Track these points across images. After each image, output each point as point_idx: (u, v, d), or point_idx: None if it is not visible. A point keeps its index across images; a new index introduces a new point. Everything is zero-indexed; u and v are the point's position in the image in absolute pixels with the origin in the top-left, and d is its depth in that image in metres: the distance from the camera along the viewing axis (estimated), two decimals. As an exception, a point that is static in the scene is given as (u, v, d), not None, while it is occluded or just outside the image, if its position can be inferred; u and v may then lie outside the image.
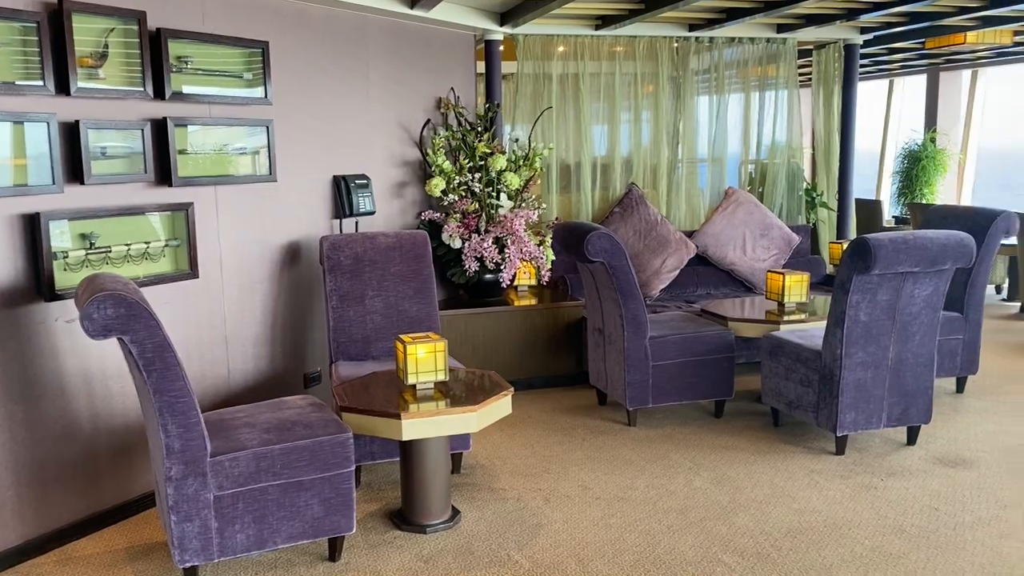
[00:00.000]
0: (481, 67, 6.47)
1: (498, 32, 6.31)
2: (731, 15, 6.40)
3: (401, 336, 3.78)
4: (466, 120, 5.98)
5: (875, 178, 12.90)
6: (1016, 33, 7.45)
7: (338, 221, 5.16)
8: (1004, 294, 8.95)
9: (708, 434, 4.96)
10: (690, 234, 6.93)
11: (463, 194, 5.78)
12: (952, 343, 5.49)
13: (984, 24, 7.10)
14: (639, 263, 6.56)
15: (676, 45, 7.11)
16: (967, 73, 11.28)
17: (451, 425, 3.55)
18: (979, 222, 5.57)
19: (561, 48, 6.84)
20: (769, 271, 5.49)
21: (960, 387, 5.68)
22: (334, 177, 5.11)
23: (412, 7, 5.30)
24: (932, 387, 4.67)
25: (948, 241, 4.35)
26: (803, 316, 5.26)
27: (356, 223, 5.26)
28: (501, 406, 3.73)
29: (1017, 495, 4.06)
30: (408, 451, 3.72)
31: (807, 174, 8.26)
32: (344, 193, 5.09)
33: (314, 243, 4.96)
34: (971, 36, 7.26)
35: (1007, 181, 29.42)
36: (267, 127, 4.57)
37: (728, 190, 7.11)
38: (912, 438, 4.74)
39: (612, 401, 5.43)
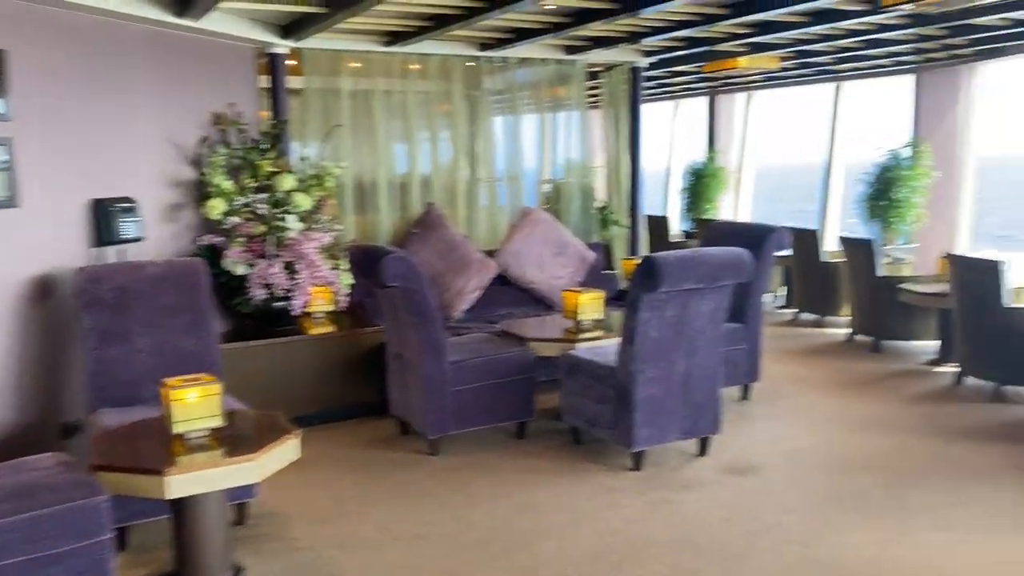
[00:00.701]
0: (266, 81, 6.10)
1: (281, 46, 5.97)
2: (520, 35, 6.44)
3: (167, 380, 3.39)
4: (249, 137, 5.60)
5: (665, 195, 13.60)
6: (783, 59, 8.05)
7: (98, 250, 4.62)
8: (781, 301, 9.65)
9: (511, 458, 4.88)
10: (491, 253, 6.88)
11: (248, 216, 5.39)
12: (736, 353, 5.75)
13: (754, 50, 7.60)
14: (441, 284, 6.41)
15: (470, 64, 7.07)
16: (742, 96, 12.14)
17: (227, 478, 3.21)
18: (755, 237, 5.89)
19: (352, 64, 6.60)
20: (565, 290, 5.51)
21: (745, 394, 5.98)
22: (93, 200, 4.58)
23: (180, 16, 4.88)
24: (719, 398, 4.85)
25: (727, 258, 4.52)
26: (599, 333, 5.31)
27: (121, 251, 4.74)
28: (286, 451, 3.42)
29: (798, 499, 4.27)
30: (179, 509, 3.33)
31: (602, 192, 8.50)
32: (104, 218, 4.57)
33: (69, 275, 4.41)
34: (743, 61, 7.76)
35: (781, 196, 32.22)
36: (6, 145, 4.00)
37: (525, 209, 7.15)
38: (703, 449, 4.89)
39: (414, 430, 5.23)
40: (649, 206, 12.42)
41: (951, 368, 6.45)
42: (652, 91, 11.64)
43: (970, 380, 6.16)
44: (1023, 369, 5.70)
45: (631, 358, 4.52)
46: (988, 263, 5.84)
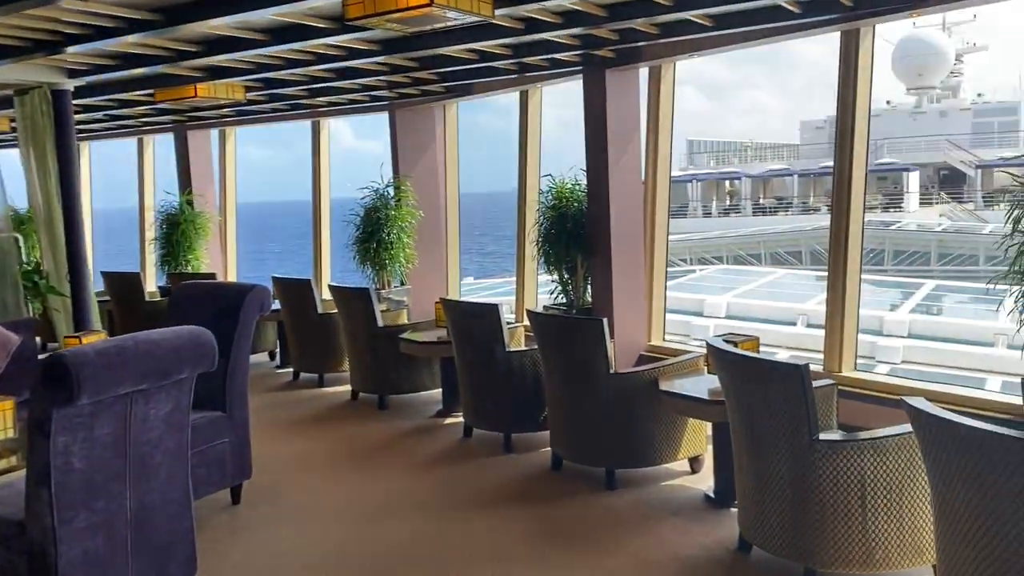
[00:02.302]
0: None
1: None
2: None
3: None
4: None
5: (141, 247, 11.67)
6: (248, 88, 7.04)
7: None
8: (277, 360, 8.61)
9: None
10: None
11: None
12: (219, 449, 4.51)
13: (213, 76, 6.46)
14: None
15: None
16: (216, 132, 10.91)
17: None
18: (232, 299, 4.74)
19: None
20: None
21: (236, 497, 4.74)
22: None
23: None
24: (193, 528, 3.57)
25: (181, 343, 3.29)
26: (10, 462, 3.65)
27: None
28: None
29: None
30: None
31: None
32: None
33: None
34: (202, 89, 6.57)
35: (273, 236, 31.54)
36: None
37: None
38: (177, 604, 3.55)
39: None
40: (120, 262, 10.45)
41: (459, 418, 6.04)
42: (104, 124, 9.78)
43: (479, 431, 5.79)
44: (526, 415, 5.44)
45: (48, 506, 3.02)
46: (483, 307, 5.51)
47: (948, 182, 41.85)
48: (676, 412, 4.50)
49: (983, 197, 39.02)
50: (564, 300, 6.96)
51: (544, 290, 7.58)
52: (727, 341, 4.07)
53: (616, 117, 6.48)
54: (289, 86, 7.21)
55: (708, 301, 14.58)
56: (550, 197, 6.93)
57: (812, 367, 3.48)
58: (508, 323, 5.65)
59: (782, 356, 12.58)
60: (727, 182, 44.98)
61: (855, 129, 5.41)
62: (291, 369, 7.94)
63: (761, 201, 43.75)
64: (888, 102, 44.63)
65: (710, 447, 4.61)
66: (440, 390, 6.51)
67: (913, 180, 40.21)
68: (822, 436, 3.43)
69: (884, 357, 11.62)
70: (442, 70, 6.63)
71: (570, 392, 4.81)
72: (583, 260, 6.73)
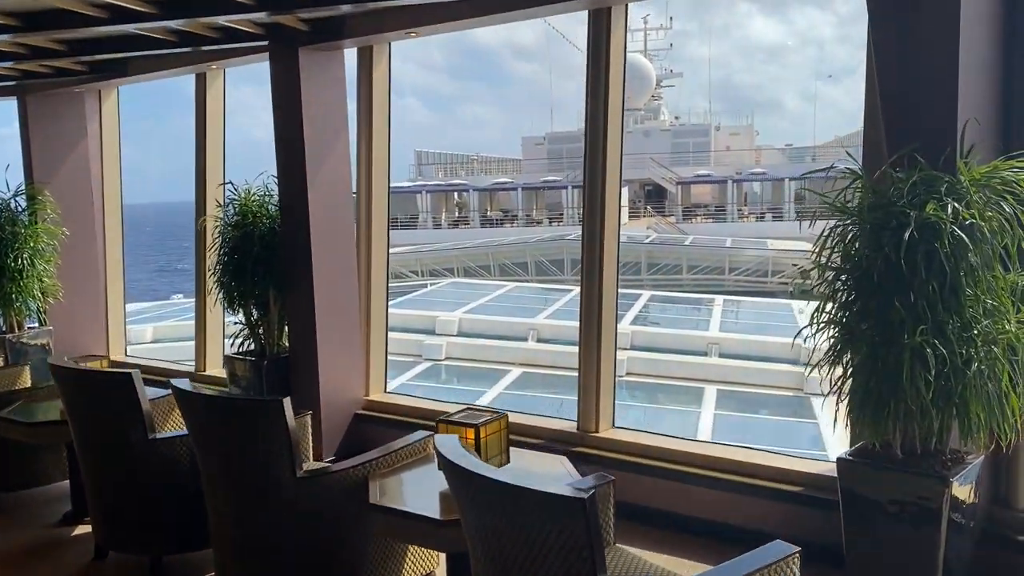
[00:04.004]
0: None
1: None
2: None
3: None
4: None
5: None
6: None
7: None
8: None
9: None
10: None
11: None
12: None
13: None
14: None
15: None
16: None
17: None
18: None
19: None
20: None
21: None
22: None
23: None
24: None
25: None
26: None
27: None
28: None
29: None
30: None
31: None
32: None
33: None
34: None
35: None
36: None
37: None
38: None
39: None
40: None
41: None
42: None
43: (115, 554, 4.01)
44: (186, 529, 3.75)
45: None
46: (111, 378, 3.77)
47: (652, 197, 44.89)
48: (393, 538, 3.14)
49: (683, 211, 42.20)
50: (254, 347, 5.35)
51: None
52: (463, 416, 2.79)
53: (316, 110, 5.01)
54: None
55: (440, 318, 13.71)
56: (232, 212, 5.31)
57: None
58: (157, 395, 3.97)
59: (515, 373, 12.13)
60: (456, 194, 44.91)
61: (607, 132, 4.41)
62: None
63: (488, 213, 44.17)
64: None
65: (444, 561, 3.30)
66: (68, 482, 4.61)
67: (624, 194, 42.60)
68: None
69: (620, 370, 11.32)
70: (66, 35, 4.76)
71: (239, 504, 3.26)
72: (276, 295, 5.18)
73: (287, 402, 3.04)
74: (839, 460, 2.94)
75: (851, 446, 3.08)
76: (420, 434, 3.49)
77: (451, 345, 12.32)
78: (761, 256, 29.67)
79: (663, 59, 54.44)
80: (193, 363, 6.44)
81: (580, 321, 4.54)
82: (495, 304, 16.30)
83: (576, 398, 4.54)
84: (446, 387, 11.62)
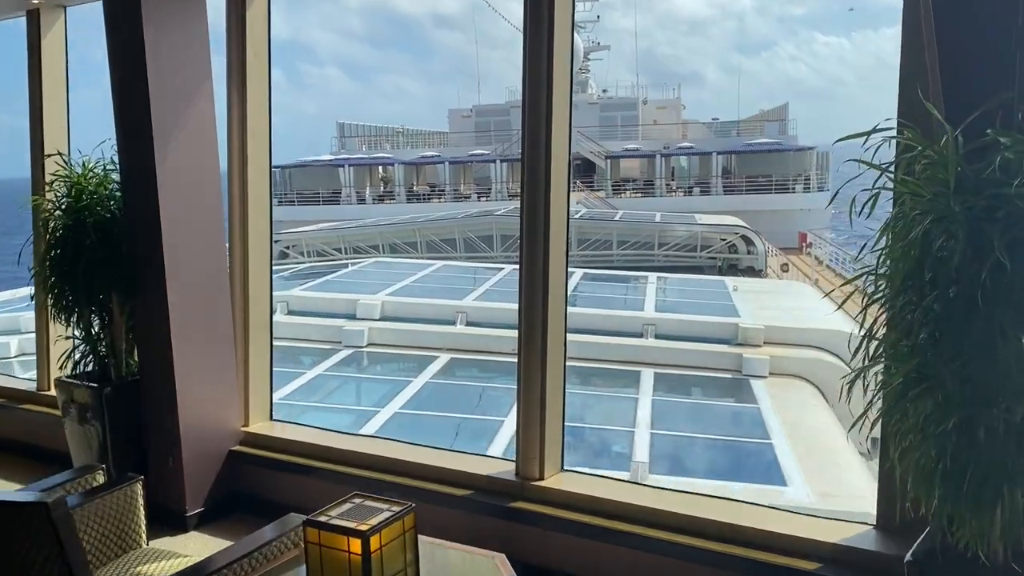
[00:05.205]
0: None
1: None
2: None
3: None
4: None
5: None
6: None
7: None
8: None
9: None
10: None
11: None
12: None
13: None
14: None
15: None
16: None
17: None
18: None
19: None
20: None
21: None
22: None
23: None
24: None
25: None
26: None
27: None
28: None
29: None
30: None
31: None
32: None
33: None
34: None
35: None
36: None
37: None
38: None
39: None
40: None
41: None
42: None
43: None
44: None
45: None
46: None
47: (581, 171, 44.10)
48: None
49: (612, 185, 41.52)
50: (95, 367, 4.15)
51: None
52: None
53: (166, 61, 3.81)
54: None
55: (361, 301, 12.65)
56: (63, 193, 4.09)
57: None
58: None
59: (443, 359, 11.20)
60: (380, 168, 43.26)
61: (552, 103, 3.37)
62: None
63: (415, 188, 42.70)
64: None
65: None
66: None
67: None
68: None
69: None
70: None
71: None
72: (121, 301, 3.99)
73: (58, 503, 1.91)
74: (909, 565, 1.99)
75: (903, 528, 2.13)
76: (293, 520, 2.41)
77: (374, 331, 11.36)
78: (690, 231, 29.21)
79: (590, 31, 53.51)
80: (35, 380, 5.19)
81: (519, 331, 3.51)
82: (421, 285, 15.30)
83: (514, 411, 3.53)
84: (368, 377, 10.68)
